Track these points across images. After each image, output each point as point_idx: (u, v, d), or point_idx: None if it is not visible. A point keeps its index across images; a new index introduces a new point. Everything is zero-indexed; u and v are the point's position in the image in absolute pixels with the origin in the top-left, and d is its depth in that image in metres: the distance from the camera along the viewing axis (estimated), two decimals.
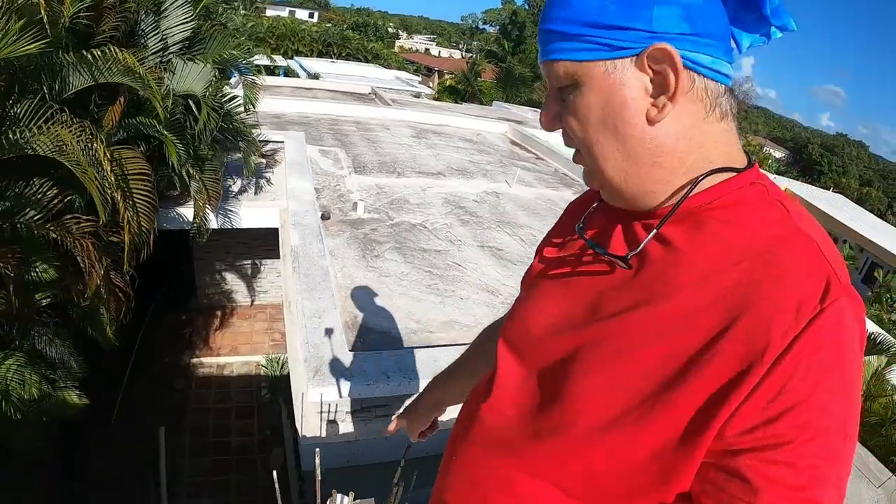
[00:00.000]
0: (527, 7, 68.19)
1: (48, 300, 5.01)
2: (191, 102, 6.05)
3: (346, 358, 3.76)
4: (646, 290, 0.82)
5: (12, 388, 4.67)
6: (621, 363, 0.80)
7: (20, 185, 4.68)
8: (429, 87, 29.02)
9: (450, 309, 5.10)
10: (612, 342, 0.83)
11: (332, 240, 5.92)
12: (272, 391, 8.50)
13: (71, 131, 4.43)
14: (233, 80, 8.62)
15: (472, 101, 24.74)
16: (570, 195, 10.38)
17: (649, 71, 0.76)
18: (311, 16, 56.95)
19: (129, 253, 4.94)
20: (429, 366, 3.93)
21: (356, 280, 5.20)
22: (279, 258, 10.09)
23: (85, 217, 4.83)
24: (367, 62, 33.11)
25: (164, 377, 8.66)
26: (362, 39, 37.40)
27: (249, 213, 7.03)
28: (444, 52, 67.97)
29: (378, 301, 4.94)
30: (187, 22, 6.04)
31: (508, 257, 6.59)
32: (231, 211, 6.86)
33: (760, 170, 0.85)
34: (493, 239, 7.04)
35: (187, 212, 6.33)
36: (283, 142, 8.70)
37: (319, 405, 3.72)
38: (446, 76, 35.24)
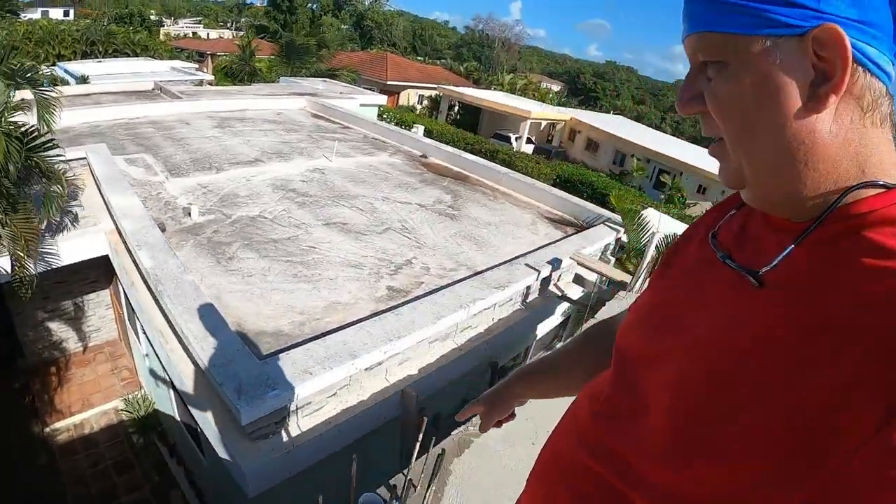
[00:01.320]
0: None
1: None
2: None
3: (261, 368, 3.60)
4: (774, 314, 0.74)
5: None
6: (763, 398, 0.70)
7: None
8: (204, 72, 27.66)
9: (325, 292, 5.06)
10: (738, 371, 0.74)
11: (178, 252, 5.61)
12: (143, 433, 7.92)
13: None
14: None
15: (252, 82, 23.87)
16: (386, 157, 10.54)
17: (813, 55, 0.68)
18: (66, 14, 51.58)
19: None
20: (341, 350, 3.88)
21: (221, 288, 4.98)
22: (106, 289, 9.40)
23: None
24: (137, 56, 30.74)
25: (19, 456, 7.68)
26: (128, 32, 34.54)
27: (69, 248, 6.28)
28: (213, 34, 64.76)
29: (253, 303, 4.77)
30: None
31: (356, 229, 6.62)
32: (48, 251, 6.05)
33: None
34: (334, 215, 7.02)
35: None
36: (84, 158, 7.97)
37: (252, 424, 3.50)
38: (220, 58, 33.63)
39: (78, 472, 7.61)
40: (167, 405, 7.17)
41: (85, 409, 8.57)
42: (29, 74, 6.22)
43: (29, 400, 8.53)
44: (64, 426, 8.30)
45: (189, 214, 6.52)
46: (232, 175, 8.21)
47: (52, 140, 6.30)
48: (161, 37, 46.38)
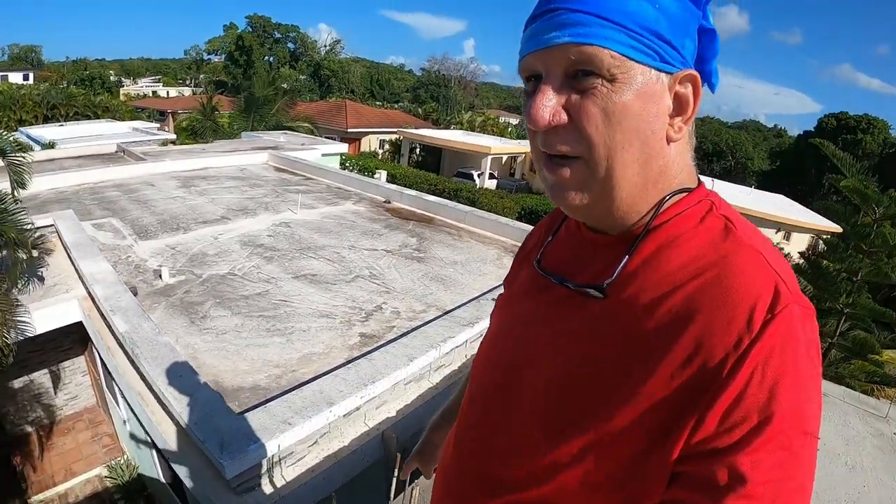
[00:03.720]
0: (251, 30, 67.16)
1: None
2: None
3: (241, 422, 3.70)
4: (615, 314, 0.85)
5: None
6: (599, 391, 0.83)
7: None
8: (165, 131, 27.69)
9: (299, 344, 5.18)
10: (588, 370, 0.86)
11: (151, 314, 5.70)
12: (129, 499, 7.87)
13: None
14: None
15: (216, 138, 23.94)
16: (351, 206, 10.73)
17: (673, 92, 0.81)
18: (25, 78, 51.38)
19: None
20: (318, 399, 4.00)
21: (196, 347, 5.08)
22: (81, 355, 9.39)
23: None
24: (98, 118, 30.71)
25: None
26: (88, 94, 34.56)
27: (43, 315, 6.23)
28: (173, 92, 64.98)
29: (229, 360, 4.87)
30: None
31: (325, 280, 6.77)
32: (21, 320, 5.96)
33: (705, 187, 0.92)
34: (303, 267, 7.16)
35: None
36: (51, 225, 8.04)
37: (237, 478, 3.58)
38: (181, 116, 33.71)
39: None
40: (151, 468, 7.17)
41: (68, 479, 8.46)
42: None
43: (10, 472, 8.42)
44: (48, 497, 8.20)
45: (160, 276, 6.61)
46: (199, 234, 8.33)
47: (22, 207, 6.42)
48: (121, 97, 46.44)
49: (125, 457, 8.55)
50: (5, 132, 6.67)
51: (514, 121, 63.95)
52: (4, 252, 6.38)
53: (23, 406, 9.06)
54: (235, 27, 73.18)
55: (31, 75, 54.27)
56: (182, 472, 3.97)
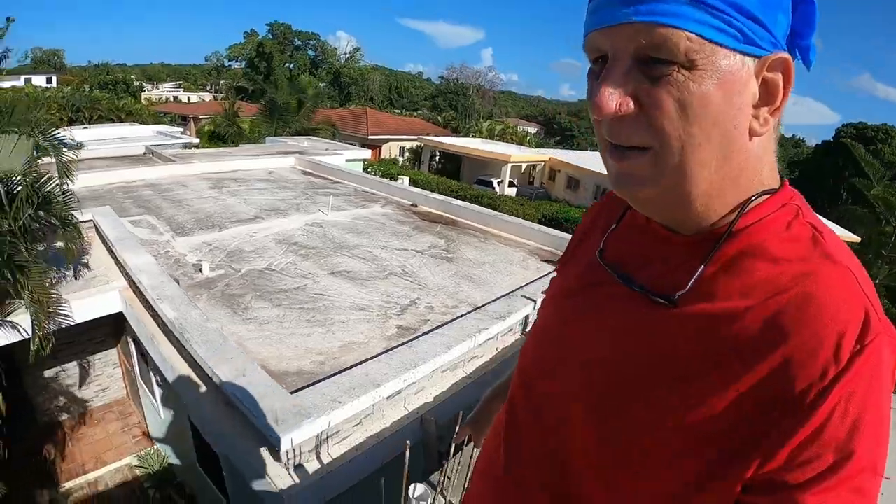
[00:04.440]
0: (271, 37, 67.76)
1: None
2: None
3: (292, 399, 3.86)
4: (680, 325, 0.79)
5: None
6: (660, 405, 0.78)
7: None
8: (187, 135, 28.04)
9: (339, 333, 5.38)
10: (643, 380, 0.81)
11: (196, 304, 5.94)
12: (159, 487, 8.09)
13: None
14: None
15: (239, 142, 24.31)
16: (379, 209, 10.94)
17: (761, 78, 0.71)
18: (48, 81, 51.97)
19: None
20: (365, 381, 4.19)
21: (241, 335, 5.27)
22: (114, 348, 9.65)
23: None
24: (121, 121, 31.17)
25: None
26: (112, 98, 35.10)
27: (83, 306, 6.55)
28: (194, 97, 65.81)
29: (273, 347, 5.06)
30: None
31: (360, 276, 6.98)
32: (62, 310, 6.20)
33: (790, 187, 0.83)
34: (338, 265, 7.37)
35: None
36: (90, 220, 8.28)
37: (289, 454, 3.75)
38: (203, 121, 34.12)
39: None
40: (185, 456, 7.39)
41: (98, 467, 8.70)
42: (51, 136, 6.66)
43: (41, 460, 8.64)
44: (78, 485, 8.43)
45: (200, 270, 6.84)
46: (235, 232, 8.58)
47: (73, 198, 6.71)
48: (143, 101, 46.98)
49: (155, 447, 8.79)
50: (55, 130, 6.91)
51: (532, 129, 64.24)
52: (43, 245, 6.63)
53: (54, 396, 9.34)
54: (256, 34, 74.01)
55: (54, 79, 54.85)
56: (229, 451, 4.18)
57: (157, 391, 7.66)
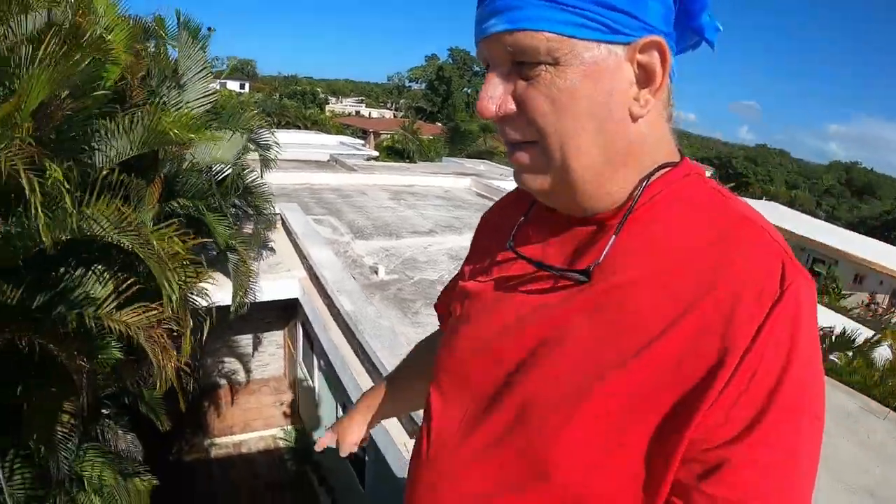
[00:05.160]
0: (451, 61, 69.98)
1: (111, 390, 5.11)
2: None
3: None
4: (602, 300, 0.78)
5: (105, 482, 4.72)
6: (588, 380, 0.75)
7: (80, 273, 4.50)
8: (367, 148, 29.41)
9: None
10: (575, 361, 0.78)
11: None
12: (298, 462, 8.73)
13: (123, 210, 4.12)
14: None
15: (417, 160, 25.31)
16: None
17: (636, 63, 0.73)
18: (241, 87, 56.35)
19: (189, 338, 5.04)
20: None
21: (409, 336, 5.59)
22: (280, 330, 10.38)
23: (149, 304, 4.87)
24: (307, 129, 33.25)
25: (184, 462, 8.67)
26: (300, 107, 37.68)
27: (267, 286, 7.15)
28: (374, 113, 68.99)
29: None
30: (208, 95, 6.21)
31: None
32: (253, 286, 6.87)
33: (689, 160, 0.85)
34: None
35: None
36: (278, 214, 9.00)
37: None
38: (381, 136, 35.73)
39: (232, 483, 8.51)
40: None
41: (245, 432, 9.56)
42: (259, 135, 7.58)
43: (200, 416, 9.50)
44: (225, 442, 9.31)
45: (376, 273, 7.30)
46: (410, 242, 9.07)
47: (268, 190, 7.47)
48: (327, 113, 49.83)
49: (302, 426, 9.43)
50: (263, 130, 7.73)
51: (707, 173, 61.68)
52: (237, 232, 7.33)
53: (219, 362, 10.21)
54: (437, 58, 76.30)
55: (246, 85, 59.14)
56: (380, 440, 4.46)
57: (318, 375, 8.20)
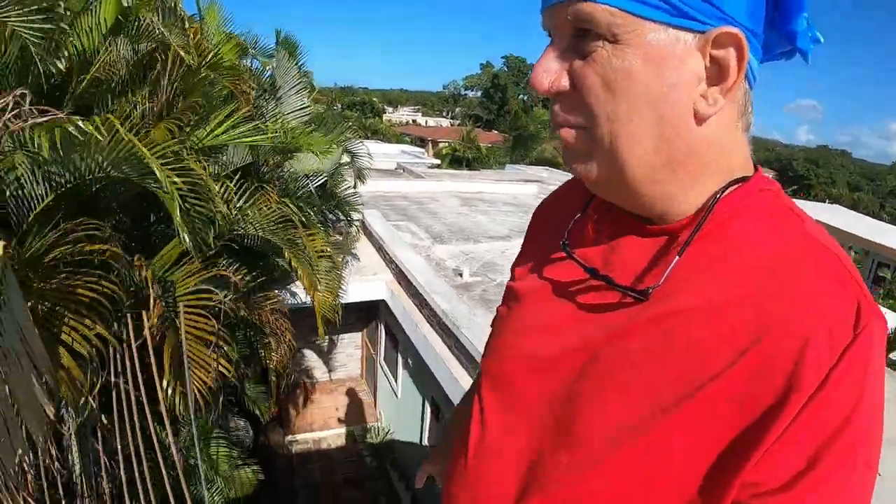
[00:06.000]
0: (506, 69, 70.28)
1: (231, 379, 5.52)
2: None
3: None
4: (663, 324, 0.73)
5: (220, 469, 5.16)
6: (639, 407, 0.72)
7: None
8: (427, 156, 29.75)
9: None
10: (630, 390, 0.74)
11: None
12: (376, 458, 9.07)
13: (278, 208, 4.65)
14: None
15: (477, 167, 25.61)
16: None
17: (707, 56, 0.66)
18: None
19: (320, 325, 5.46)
20: None
21: None
22: (359, 332, 10.85)
23: (273, 294, 5.28)
24: (368, 139, 33.89)
25: (268, 455, 8.88)
26: (360, 117, 38.53)
27: (354, 289, 7.48)
28: (431, 121, 69.55)
29: None
30: (304, 108, 6.66)
31: None
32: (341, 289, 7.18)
33: (764, 174, 0.78)
34: None
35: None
36: (360, 219, 9.35)
37: None
38: (439, 144, 36.11)
39: (310, 478, 8.92)
40: (412, 433, 8.28)
41: (324, 429, 9.99)
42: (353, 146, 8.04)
43: (281, 412, 9.93)
44: (304, 438, 9.74)
45: (460, 275, 7.62)
46: (487, 246, 9.36)
47: (359, 199, 7.92)
48: (385, 123, 50.62)
49: (381, 423, 9.83)
50: (357, 141, 8.22)
51: (769, 175, 60.64)
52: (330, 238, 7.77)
53: (298, 361, 10.61)
54: (491, 66, 76.55)
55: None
56: None
57: (401, 374, 8.61)
